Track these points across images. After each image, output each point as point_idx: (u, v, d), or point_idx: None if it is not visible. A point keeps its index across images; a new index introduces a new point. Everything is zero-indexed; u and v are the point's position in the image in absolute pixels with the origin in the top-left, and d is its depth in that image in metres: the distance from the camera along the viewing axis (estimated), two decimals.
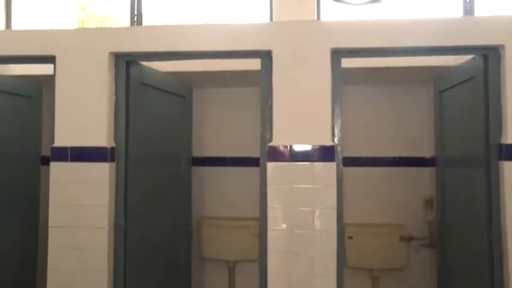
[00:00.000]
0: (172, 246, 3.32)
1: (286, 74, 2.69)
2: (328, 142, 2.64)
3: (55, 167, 2.76)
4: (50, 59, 2.82)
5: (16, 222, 3.36)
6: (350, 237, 3.72)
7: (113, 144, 2.78)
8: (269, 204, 2.67)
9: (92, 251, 2.72)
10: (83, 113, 2.76)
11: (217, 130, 4.17)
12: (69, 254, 2.73)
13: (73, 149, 2.75)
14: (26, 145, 3.44)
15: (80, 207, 2.72)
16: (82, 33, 2.84)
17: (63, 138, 2.77)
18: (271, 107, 2.71)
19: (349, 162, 3.66)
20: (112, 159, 2.75)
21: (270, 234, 2.67)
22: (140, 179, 2.91)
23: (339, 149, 2.68)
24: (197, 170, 4.03)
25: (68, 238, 2.73)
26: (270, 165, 2.67)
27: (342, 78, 2.72)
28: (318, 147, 2.63)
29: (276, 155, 2.66)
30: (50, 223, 2.76)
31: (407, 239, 3.69)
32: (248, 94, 3.89)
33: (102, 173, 2.71)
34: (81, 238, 2.72)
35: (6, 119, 3.30)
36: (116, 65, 2.81)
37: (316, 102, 2.66)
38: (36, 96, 3.52)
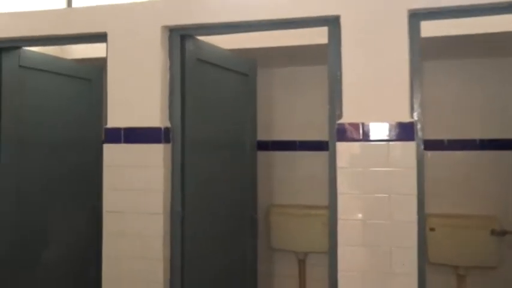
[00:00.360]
0: (235, 234, 3.11)
1: (357, 42, 2.35)
2: (406, 118, 2.28)
3: (108, 149, 2.63)
4: (102, 37, 2.67)
5: (80, 207, 3.33)
6: (432, 229, 3.33)
7: (168, 125, 2.59)
8: (339, 190, 2.36)
9: (147, 239, 2.55)
10: (136, 92, 2.59)
11: (286, 113, 3.98)
12: (124, 241, 2.58)
13: (126, 129, 2.59)
14: (87, 129, 3.40)
15: (135, 192, 2.56)
16: (133, 7, 2.64)
17: (116, 118, 2.62)
18: (340, 80, 2.39)
19: (431, 145, 3.35)
20: (167, 141, 2.56)
21: (341, 224, 2.35)
22: (198, 162, 2.70)
23: (419, 126, 2.31)
24: (264, 155, 3.86)
25: (123, 224, 2.58)
26: (340, 146, 2.35)
27: (421, 44, 2.34)
28: (394, 124, 2.28)
29: (346, 134, 2.34)
30: (105, 208, 2.63)
31: (500, 233, 3.24)
32: (318, 73, 3.58)
33: (156, 155, 2.53)
34: (136, 224, 2.56)
35: (68, 103, 3.27)
36: (170, 39, 2.61)
37: (392, 73, 2.30)
38: (97, 79, 3.45)
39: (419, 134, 2.32)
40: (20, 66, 2.93)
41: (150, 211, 2.54)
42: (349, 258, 2.33)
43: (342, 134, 2.35)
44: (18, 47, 2.91)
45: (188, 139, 2.63)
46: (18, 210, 2.91)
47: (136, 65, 2.60)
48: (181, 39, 2.61)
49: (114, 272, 2.60)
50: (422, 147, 2.33)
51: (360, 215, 2.32)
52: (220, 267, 2.92)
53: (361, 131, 2.32)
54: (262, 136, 3.72)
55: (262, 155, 3.73)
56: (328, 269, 2.44)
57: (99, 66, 3.39)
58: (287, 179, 3.96)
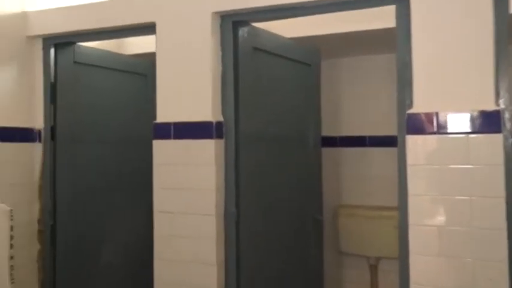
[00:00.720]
0: (297, 237, 2.90)
1: (429, 19, 2.04)
2: (490, 106, 1.93)
3: (158, 145, 2.50)
4: (151, 28, 2.54)
5: (138, 206, 3.23)
6: None
7: (220, 119, 2.40)
8: (410, 191, 2.06)
9: (199, 241, 2.39)
10: (186, 84, 2.44)
11: (355, 106, 3.74)
12: (175, 243, 2.44)
13: (176, 124, 2.44)
14: (144, 126, 3.27)
15: (185, 191, 2.41)
16: None
17: (165, 113, 2.49)
18: (410, 64, 2.08)
19: None
20: (219, 136, 2.38)
21: (412, 230, 2.05)
22: (254, 158, 2.50)
23: (506, 115, 1.95)
24: (331, 152, 3.65)
25: (174, 225, 2.44)
26: (410, 140, 2.05)
27: (508, 19, 1.98)
28: (476, 113, 1.94)
29: (418, 125, 2.03)
30: (155, 208, 2.50)
31: None
32: (390, 61, 3.26)
33: (207, 151, 2.36)
34: (187, 226, 2.41)
35: (124, 99, 3.23)
36: (221, 27, 2.43)
37: (473, 53, 1.97)
38: (153, 74, 3.33)
39: (508, 124, 1.96)
40: (75, 62, 2.90)
41: (202, 212, 2.38)
42: (423, 269, 2.03)
43: (413, 125, 2.04)
44: (73, 43, 2.86)
45: (242, 134, 2.44)
46: (74, 210, 2.87)
47: (186, 55, 2.44)
48: (233, 26, 2.43)
49: (166, 276, 2.46)
50: (511, 140, 1.97)
51: (434, 220, 2.01)
52: (280, 272, 2.72)
53: (435, 122, 2.00)
54: (328, 131, 3.51)
55: (329, 152, 3.53)
56: (399, 280, 2.15)
57: (155, 61, 3.29)
58: (357, 178, 3.73)
